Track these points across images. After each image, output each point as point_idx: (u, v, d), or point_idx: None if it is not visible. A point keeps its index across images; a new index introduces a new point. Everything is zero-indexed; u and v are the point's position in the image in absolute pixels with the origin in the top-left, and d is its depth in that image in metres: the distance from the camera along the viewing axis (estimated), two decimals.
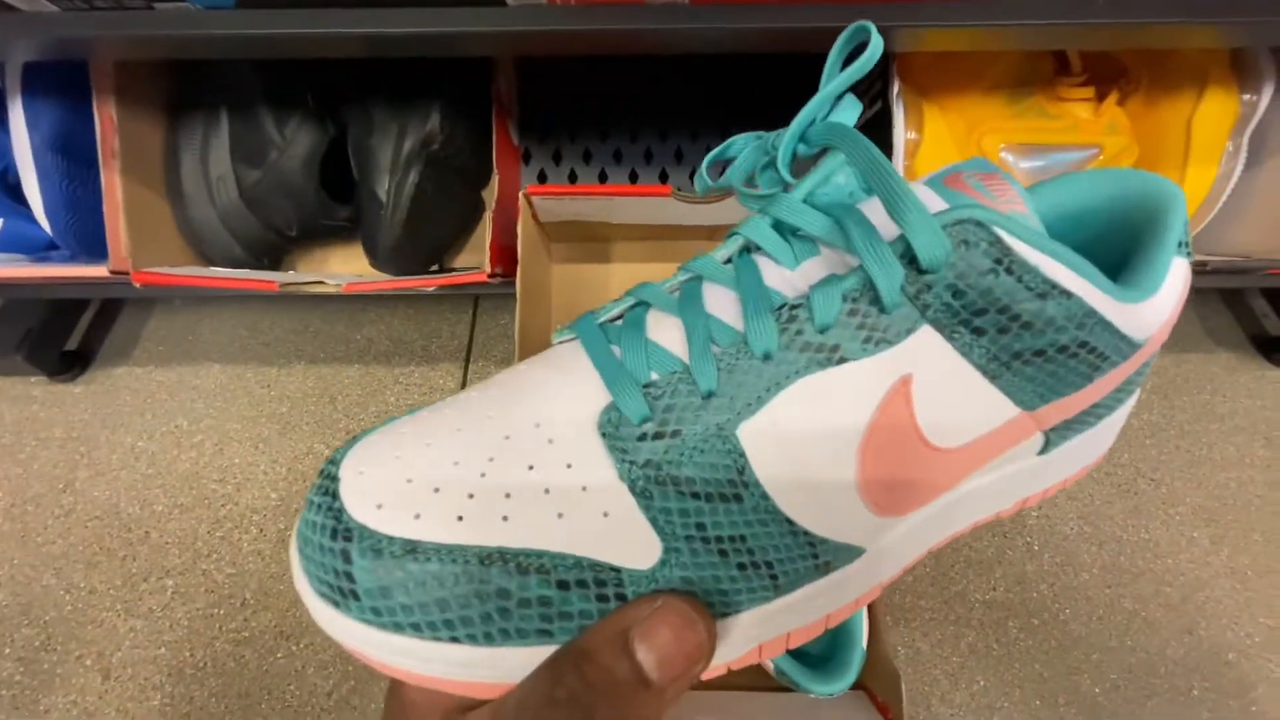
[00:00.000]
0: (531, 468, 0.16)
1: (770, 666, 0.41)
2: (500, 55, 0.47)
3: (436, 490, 0.16)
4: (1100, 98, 0.42)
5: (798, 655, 0.42)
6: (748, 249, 0.19)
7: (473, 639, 0.15)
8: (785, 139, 0.18)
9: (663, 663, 0.15)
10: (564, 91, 0.53)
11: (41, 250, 0.48)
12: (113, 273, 0.42)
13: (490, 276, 0.43)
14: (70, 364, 0.61)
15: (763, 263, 0.18)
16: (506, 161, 0.50)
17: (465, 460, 0.16)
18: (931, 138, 0.43)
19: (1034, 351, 0.18)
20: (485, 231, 0.52)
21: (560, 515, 0.16)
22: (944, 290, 0.17)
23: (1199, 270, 0.45)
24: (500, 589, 0.15)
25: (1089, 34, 0.34)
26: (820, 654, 0.42)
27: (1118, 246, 0.21)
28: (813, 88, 0.18)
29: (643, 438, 0.16)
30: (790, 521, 0.17)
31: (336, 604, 0.16)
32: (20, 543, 0.55)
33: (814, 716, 0.41)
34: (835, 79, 0.18)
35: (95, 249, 0.44)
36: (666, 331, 0.18)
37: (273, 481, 0.57)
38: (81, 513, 0.56)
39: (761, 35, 0.32)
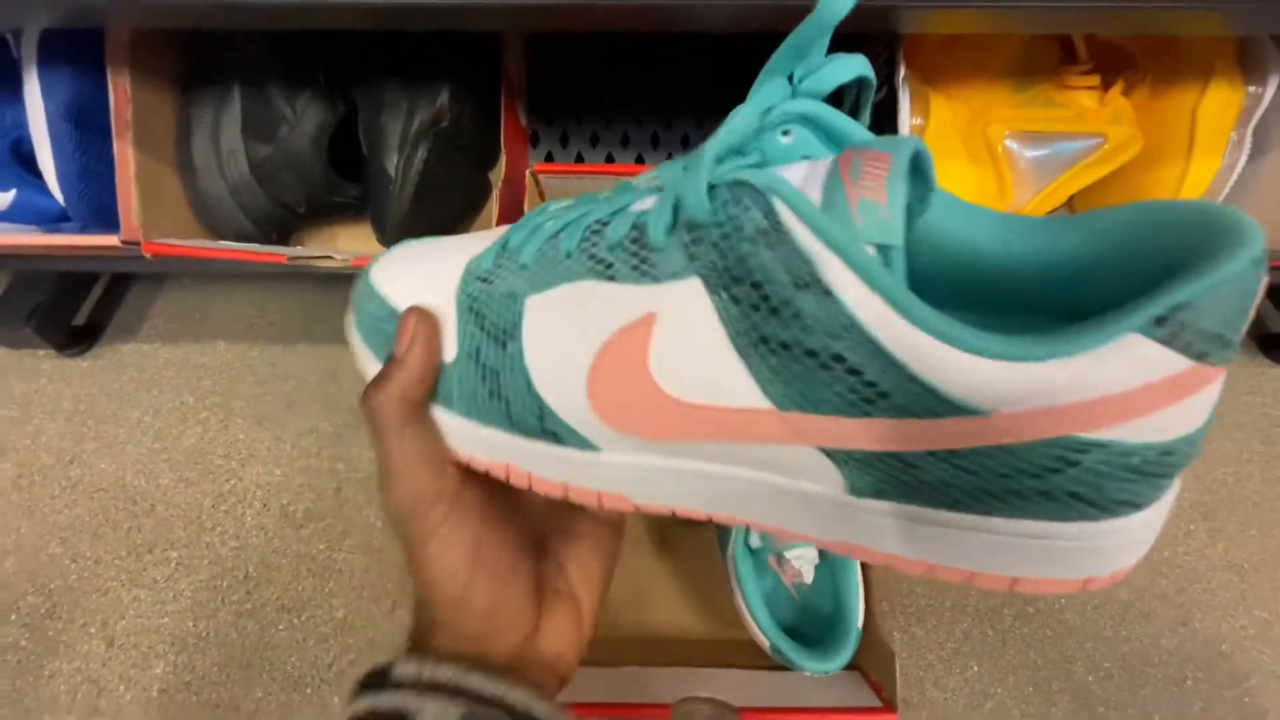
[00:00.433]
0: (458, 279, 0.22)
1: (766, 644, 0.41)
2: (509, 30, 0.47)
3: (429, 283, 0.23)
4: (1105, 87, 0.43)
5: (794, 635, 0.42)
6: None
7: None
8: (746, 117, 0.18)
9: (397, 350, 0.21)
10: (573, 76, 0.54)
11: (53, 222, 0.49)
12: (124, 242, 0.43)
13: None
14: (79, 339, 0.62)
15: (641, 195, 0.20)
16: (514, 143, 0.50)
17: (445, 273, 0.22)
18: (936, 124, 0.44)
19: (780, 343, 0.16)
20: (492, 211, 0.52)
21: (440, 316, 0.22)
22: (709, 247, 0.17)
23: None
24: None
25: (1094, 18, 0.34)
26: (816, 634, 0.43)
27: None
28: None
29: (478, 278, 0.21)
30: (530, 379, 0.20)
31: (377, 355, 0.22)
32: (28, 513, 0.55)
33: (809, 694, 0.42)
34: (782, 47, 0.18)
35: (107, 220, 0.45)
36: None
37: (276, 458, 0.57)
38: (88, 485, 0.57)
39: (770, 13, 0.32)
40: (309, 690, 0.49)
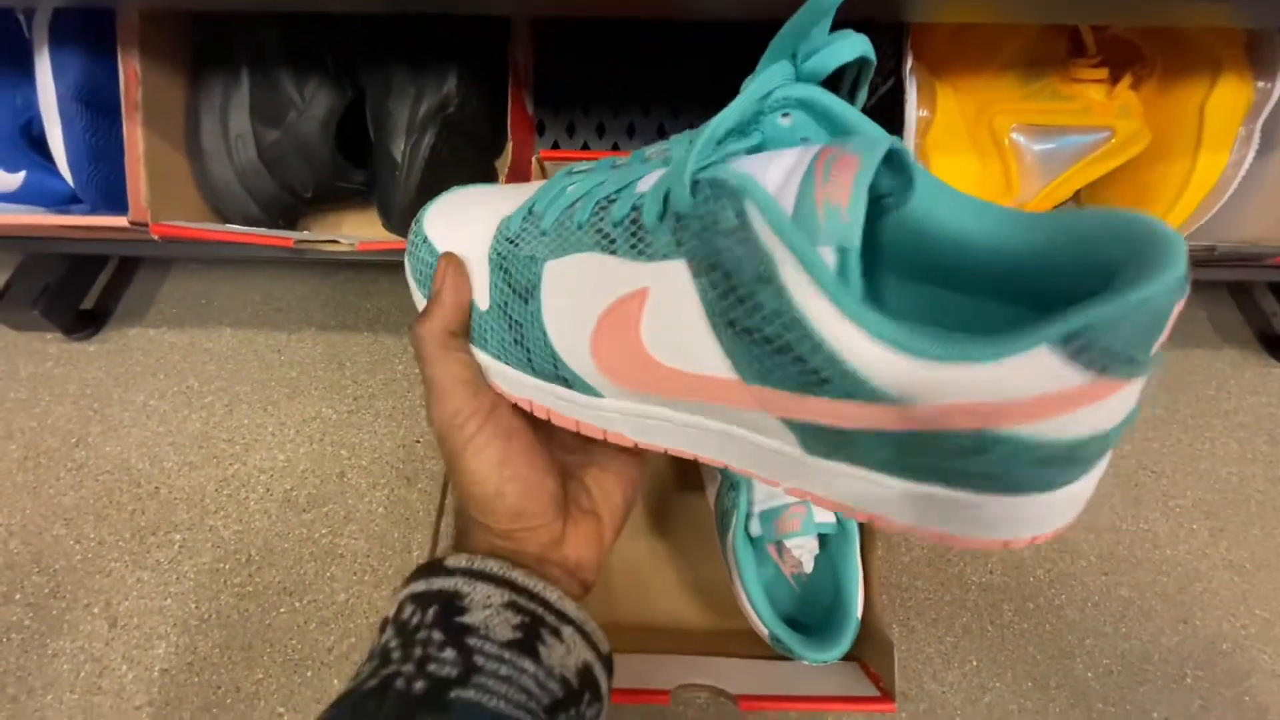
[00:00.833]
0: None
1: (765, 633, 0.41)
2: (516, 14, 0.47)
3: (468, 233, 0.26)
4: (1114, 81, 0.43)
5: (793, 624, 0.42)
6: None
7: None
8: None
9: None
10: (580, 65, 0.54)
11: (63, 204, 0.49)
12: (132, 223, 0.43)
13: None
14: (86, 322, 0.62)
15: (651, 168, 0.22)
16: (521, 130, 0.50)
17: (479, 232, 0.25)
18: (943, 116, 0.44)
19: (744, 328, 0.18)
20: None
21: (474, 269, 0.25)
22: (692, 235, 0.18)
23: (1206, 258, 0.45)
24: None
25: (1102, 8, 0.34)
26: (815, 623, 0.43)
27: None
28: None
29: (507, 239, 0.24)
30: (545, 333, 0.23)
31: (424, 293, 0.26)
32: (33, 494, 0.56)
33: (807, 683, 0.42)
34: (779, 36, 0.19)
35: (116, 201, 0.45)
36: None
37: (280, 443, 0.58)
38: (93, 467, 0.57)
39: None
40: (309, 673, 0.49)
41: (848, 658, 0.42)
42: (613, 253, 0.21)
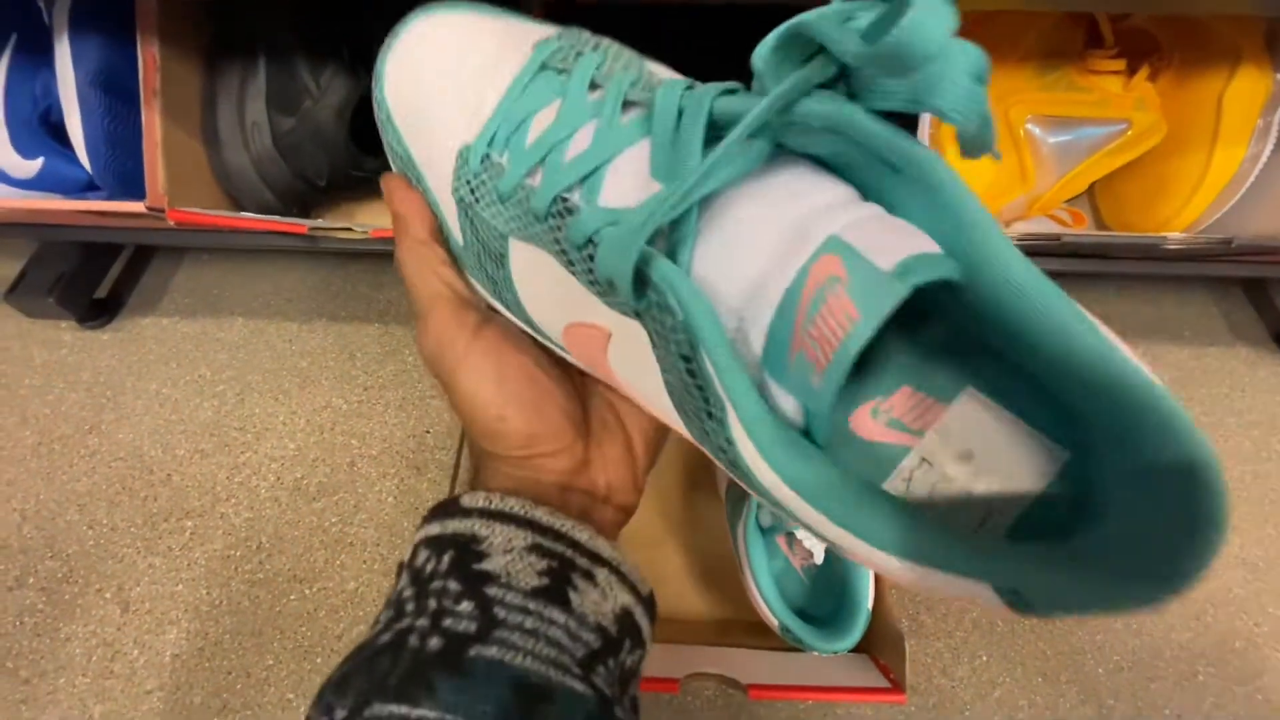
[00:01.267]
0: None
1: (775, 624, 0.41)
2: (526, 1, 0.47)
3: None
4: (1131, 72, 0.42)
5: (803, 616, 0.42)
6: None
7: None
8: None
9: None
10: None
11: (80, 191, 0.49)
12: (149, 209, 0.43)
13: None
14: (100, 311, 0.63)
15: (629, 137, 0.21)
16: None
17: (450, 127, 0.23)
18: None
19: (690, 407, 0.18)
20: None
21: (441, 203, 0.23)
22: (647, 319, 0.18)
23: (1223, 252, 0.45)
24: None
25: None
26: (825, 615, 0.43)
27: None
28: None
29: (466, 182, 0.21)
30: (521, 304, 0.22)
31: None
32: (47, 480, 0.56)
33: (817, 673, 0.42)
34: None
35: (133, 189, 0.46)
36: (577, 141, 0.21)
37: (291, 432, 0.58)
38: (106, 454, 0.57)
39: None
40: (319, 660, 0.49)
41: (857, 650, 0.42)
42: (573, 275, 0.19)
